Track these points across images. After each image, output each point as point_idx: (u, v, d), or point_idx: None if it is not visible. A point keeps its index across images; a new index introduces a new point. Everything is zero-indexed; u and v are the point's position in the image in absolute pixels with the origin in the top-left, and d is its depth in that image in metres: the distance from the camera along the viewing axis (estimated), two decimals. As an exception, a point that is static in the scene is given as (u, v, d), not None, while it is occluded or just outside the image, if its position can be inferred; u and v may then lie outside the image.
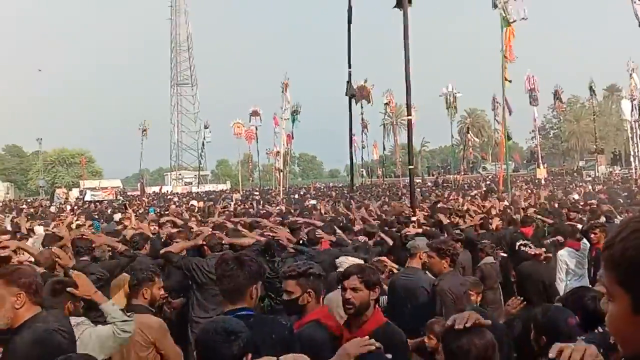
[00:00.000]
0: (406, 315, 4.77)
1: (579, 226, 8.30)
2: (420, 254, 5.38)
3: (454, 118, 49.94)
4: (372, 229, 8.36)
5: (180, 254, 6.19)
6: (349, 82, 18.41)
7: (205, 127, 57.46)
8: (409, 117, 12.32)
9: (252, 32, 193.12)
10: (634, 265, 1.19)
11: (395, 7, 12.14)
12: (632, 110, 37.09)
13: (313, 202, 21.35)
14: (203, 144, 59.92)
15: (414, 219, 9.51)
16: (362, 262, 4.56)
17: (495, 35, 19.37)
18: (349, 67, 17.53)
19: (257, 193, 42.02)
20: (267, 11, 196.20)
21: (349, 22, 17.28)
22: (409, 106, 12.16)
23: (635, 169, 37.73)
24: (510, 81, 19.86)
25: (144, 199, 39.81)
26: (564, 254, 7.15)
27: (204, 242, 6.58)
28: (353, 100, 20.29)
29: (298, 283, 3.37)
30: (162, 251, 6.23)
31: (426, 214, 10.82)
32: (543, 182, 35.19)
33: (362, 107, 45.61)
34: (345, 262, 5.23)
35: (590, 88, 44.52)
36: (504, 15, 18.65)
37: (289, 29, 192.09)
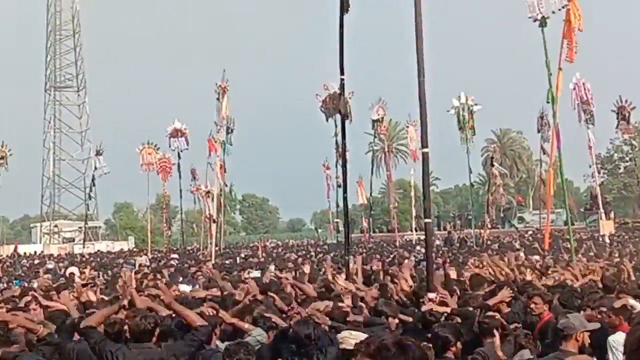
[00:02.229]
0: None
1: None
2: (577, 334, 6.65)
3: (473, 143, 49.08)
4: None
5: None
6: (341, 94, 18.51)
7: (98, 154, 56.94)
8: (425, 151, 11.79)
9: (174, 11, 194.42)
10: None
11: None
12: None
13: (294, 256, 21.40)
14: (93, 180, 59.41)
15: (431, 295, 9.95)
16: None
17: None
18: (342, 73, 17.55)
19: (176, 255, 41.74)
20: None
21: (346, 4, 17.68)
22: (424, 135, 11.76)
23: None
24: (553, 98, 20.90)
25: (-2, 263, 39.16)
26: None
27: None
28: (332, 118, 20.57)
29: None
30: (82, 324, 6.89)
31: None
32: (608, 239, 35.80)
33: (336, 126, 46.01)
34: (349, 337, 6.30)
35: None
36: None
37: (230, 12, 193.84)
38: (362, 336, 5.55)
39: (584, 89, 36.90)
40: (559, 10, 21.91)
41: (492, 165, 44.54)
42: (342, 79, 18.12)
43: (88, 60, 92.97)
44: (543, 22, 22.60)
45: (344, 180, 19.34)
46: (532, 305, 8.95)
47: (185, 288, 14.06)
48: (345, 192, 19.14)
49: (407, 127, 54.03)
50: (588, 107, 38.00)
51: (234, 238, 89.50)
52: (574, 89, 36.68)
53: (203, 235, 50.87)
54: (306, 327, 7.37)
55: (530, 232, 49.54)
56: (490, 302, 9.30)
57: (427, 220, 12.47)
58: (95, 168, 57.05)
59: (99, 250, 57.56)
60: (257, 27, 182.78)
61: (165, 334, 7.48)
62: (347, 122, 19.94)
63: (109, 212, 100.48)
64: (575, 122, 38.72)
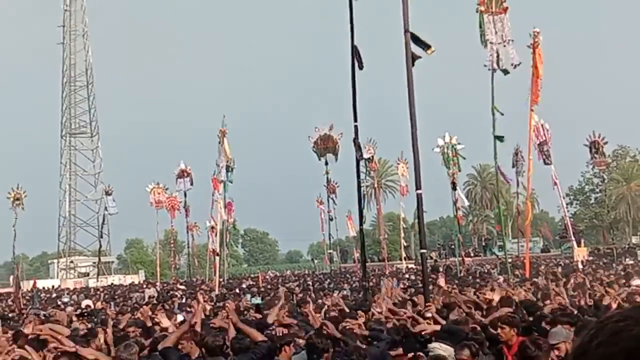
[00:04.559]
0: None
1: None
2: (566, 344, 6.71)
3: (458, 178, 49.71)
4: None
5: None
6: (355, 139, 19.00)
7: (107, 194, 56.97)
8: (419, 192, 12.69)
9: (180, 62, 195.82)
10: None
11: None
12: None
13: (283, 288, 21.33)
14: (105, 219, 59.33)
15: (428, 315, 10.14)
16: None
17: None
18: (355, 120, 18.16)
19: (183, 286, 41.55)
20: (201, 33, 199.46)
21: (359, 61, 18.07)
22: (417, 176, 12.57)
23: None
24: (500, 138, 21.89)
25: (19, 298, 38.84)
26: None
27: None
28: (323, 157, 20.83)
29: None
30: (159, 346, 7.78)
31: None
32: (581, 265, 35.81)
33: (326, 164, 46.25)
34: (438, 348, 7.13)
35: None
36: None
37: (231, 61, 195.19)
38: (449, 348, 6.95)
39: (543, 130, 37.32)
40: (516, 65, 23.05)
41: (454, 189, 43.95)
42: (355, 126, 18.74)
43: (101, 107, 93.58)
44: (505, 72, 23.58)
45: (360, 214, 19.64)
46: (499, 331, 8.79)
47: (180, 317, 14.00)
48: (361, 224, 19.66)
49: (398, 164, 54.25)
50: (546, 146, 38.29)
51: (237, 269, 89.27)
52: (534, 131, 37.07)
53: (208, 267, 50.75)
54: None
55: (510, 260, 49.42)
56: (488, 319, 9.48)
57: (422, 250, 13.85)
58: (106, 208, 57.19)
59: (112, 284, 57.39)
60: (256, 77, 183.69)
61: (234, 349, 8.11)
62: (334, 161, 20.51)
63: (120, 248, 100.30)
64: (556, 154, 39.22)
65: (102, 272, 65.74)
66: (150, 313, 13.83)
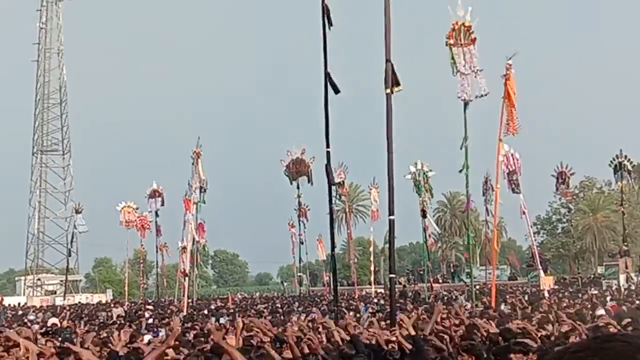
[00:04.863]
0: None
1: None
2: None
3: (429, 205, 49.87)
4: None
5: None
6: (327, 165, 19.01)
7: (77, 212, 56.55)
8: (392, 218, 12.84)
9: (154, 81, 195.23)
10: None
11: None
12: None
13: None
14: (74, 237, 58.79)
15: (393, 338, 10.04)
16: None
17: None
18: (327, 146, 18.21)
19: (150, 307, 41.21)
20: (176, 53, 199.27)
21: (333, 87, 18.20)
22: (391, 202, 12.69)
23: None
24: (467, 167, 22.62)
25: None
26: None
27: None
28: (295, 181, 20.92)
29: None
30: None
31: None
32: (547, 294, 36.08)
33: (298, 188, 46.35)
34: None
35: (618, 166, 45.79)
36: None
37: (205, 83, 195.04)
38: None
39: (513, 159, 37.80)
40: (483, 95, 23.63)
41: (424, 217, 44.15)
42: (328, 151, 18.76)
43: (74, 125, 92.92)
44: (464, 102, 24.23)
45: (332, 238, 19.68)
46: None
47: (147, 337, 13.93)
48: (332, 249, 19.70)
49: (371, 189, 54.53)
50: (516, 175, 38.69)
51: (206, 291, 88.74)
52: (504, 160, 37.41)
53: (177, 288, 50.42)
54: None
55: (477, 286, 49.67)
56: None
57: (391, 275, 13.63)
58: (75, 227, 56.83)
59: (79, 302, 56.77)
60: (230, 98, 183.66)
61: None
62: (309, 184, 20.61)
63: (89, 267, 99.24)
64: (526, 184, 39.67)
65: (70, 291, 65.04)
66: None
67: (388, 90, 13.52)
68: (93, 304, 52.61)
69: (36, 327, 21.60)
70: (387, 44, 13.52)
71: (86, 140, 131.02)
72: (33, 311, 41.80)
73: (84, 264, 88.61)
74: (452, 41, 25.03)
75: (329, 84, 17.99)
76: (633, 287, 42.19)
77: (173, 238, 51.32)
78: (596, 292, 39.32)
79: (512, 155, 37.72)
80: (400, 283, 57.43)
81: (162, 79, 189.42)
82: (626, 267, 48.02)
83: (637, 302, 26.01)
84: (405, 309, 23.70)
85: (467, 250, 43.89)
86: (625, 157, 45.84)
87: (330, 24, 17.74)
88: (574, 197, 69.42)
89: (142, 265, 58.02)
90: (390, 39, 13.44)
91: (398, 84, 13.33)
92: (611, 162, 46.41)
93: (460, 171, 25.94)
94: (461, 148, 25.17)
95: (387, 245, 19.10)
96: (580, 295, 35.47)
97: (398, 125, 13.28)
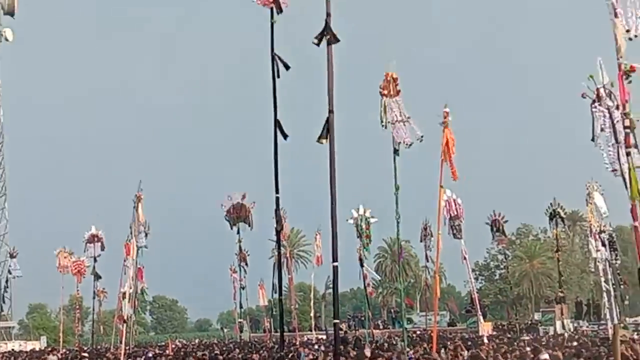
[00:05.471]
0: None
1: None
2: None
3: (369, 252, 50.00)
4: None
5: None
6: (277, 210, 19.42)
7: (12, 256, 55.48)
8: (335, 264, 13.00)
9: (93, 125, 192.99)
10: None
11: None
12: (602, 245, 38.13)
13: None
14: (7, 282, 57.49)
15: None
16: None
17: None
18: (277, 191, 18.69)
19: (86, 354, 40.19)
20: (116, 94, 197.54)
21: (282, 132, 18.40)
22: (335, 249, 12.80)
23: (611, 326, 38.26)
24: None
25: None
26: None
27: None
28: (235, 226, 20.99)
29: None
30: None
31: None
32: (486, 340, 36.18)
33: (239, 233, 45.97)
34: None
35: (552, 214, 46.85)
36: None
37: (147, 125, 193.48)
38: None
39: (455, 205, 38.23)
40: (418, 141, 23.77)
41: (360, 261, 44.18)
42: (277, 197, 19.05)
43: (11, 160, 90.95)
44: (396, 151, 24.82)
45: (280, 284, 19.73)
46: None
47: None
48: (280, 294, 19.78)
49: (316, 235, 54.56)
50: (458, 220, 39.16)
51: (143, 337, 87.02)
52: (446, 205, 37.78)
53: (114, 334, 49.32)
54: None
55: (417, 332, 49.72)
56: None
57: (335, 320, 14.75)
58: (10, 271, 55.82)
59: (12, 350, 55.09)
60: (171, 141, 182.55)
61: None
62: (249, 229, 21.28)
63: (23, 313, 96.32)
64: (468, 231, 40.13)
65: (2, 338, 63.29)
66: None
67: (324, 141, 13.77)
68: (27, 352, 51.07)
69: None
70: (330, 95, 13.77)
71: (23, 184, 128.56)
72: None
73: (17, 311, 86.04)
74: (385, 92, 25.48)
75: (278, 130, 18.22)
76: (566, 335, 42.58)
77: (111, 283, 50.32)
78: (527, 337, 39.59)
79: (454, 200, 38.18)
80: (341, 329, 57.15)
81: (102, 122, 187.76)
82: (562, 314, 48.66)
83: (572, 350, 26.28)
84: (347, 355, 23.58)
85: (405, 296, 44.08)
86: (559, 204, 46.98)
87: (287, 68, 18.13)
88: (511, 243, 70.46)
89: (78, 311, 56.68)
90: (333, 90, 13.67)
91: (327, 135, 13.53)
92: (546, 210, 47.48)
93: (397, 217, 26.17)
94: (397, 193, 25.43)
95: (327, 291, 19.20)
96: (516, 343, 35.64)
97: (340, 169, 13.33)
